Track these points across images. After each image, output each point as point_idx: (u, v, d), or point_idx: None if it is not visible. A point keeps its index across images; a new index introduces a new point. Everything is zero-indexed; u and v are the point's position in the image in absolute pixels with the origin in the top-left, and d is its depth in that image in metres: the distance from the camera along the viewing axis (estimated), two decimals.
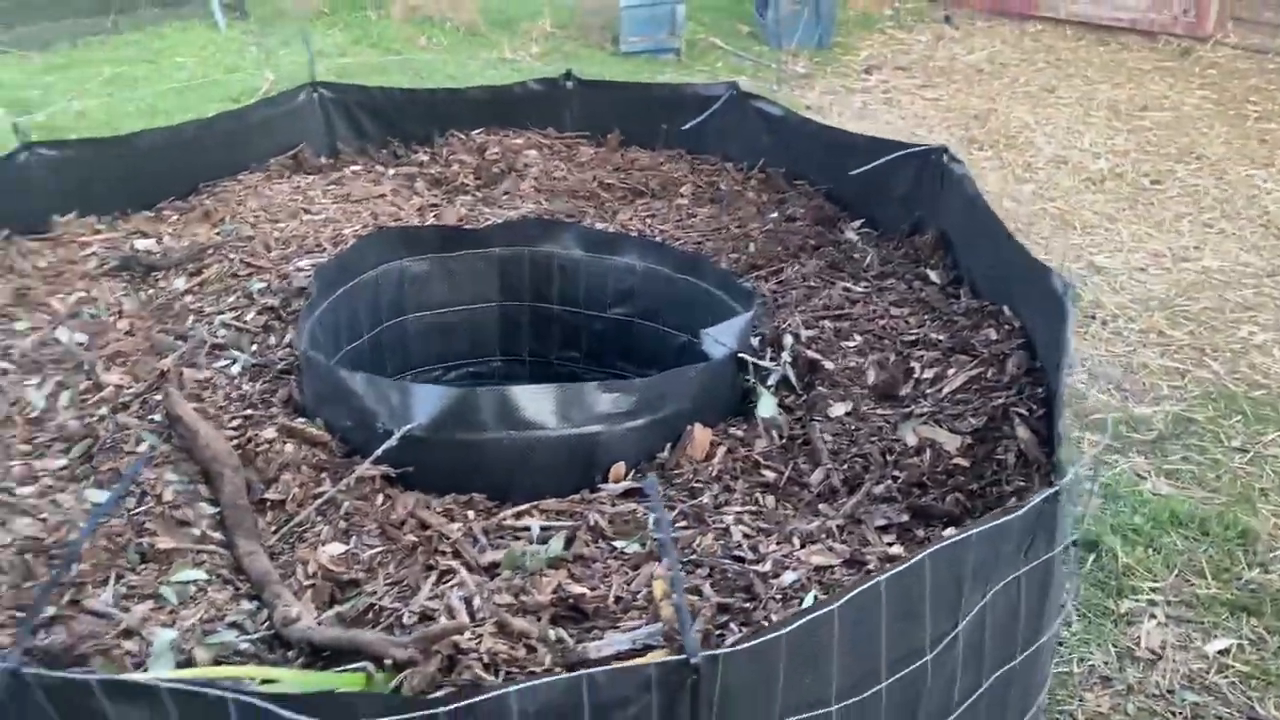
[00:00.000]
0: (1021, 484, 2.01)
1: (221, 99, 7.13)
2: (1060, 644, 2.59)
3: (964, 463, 2.13)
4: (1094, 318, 4.17)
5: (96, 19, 8.32)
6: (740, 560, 1.90)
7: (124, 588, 1.85)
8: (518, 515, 2.09)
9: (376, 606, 1.80)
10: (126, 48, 8.08)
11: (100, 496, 2.05)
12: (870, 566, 1.87)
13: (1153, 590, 2.69)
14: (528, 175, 3.41)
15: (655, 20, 8.28)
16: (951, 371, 2.40)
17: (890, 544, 1.96)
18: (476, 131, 3.64)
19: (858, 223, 3.16)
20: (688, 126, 3.44)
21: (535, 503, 2.11)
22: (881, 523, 2.00)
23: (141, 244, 2.89)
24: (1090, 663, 2.50)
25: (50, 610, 1.77)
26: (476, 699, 1.24)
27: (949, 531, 1.89)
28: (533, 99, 3.66)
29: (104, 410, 2.30)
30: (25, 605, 1.77)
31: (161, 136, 3.19)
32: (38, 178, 2.89)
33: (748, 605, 1.77)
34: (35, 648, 1.50)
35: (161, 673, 1.42)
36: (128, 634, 1.73)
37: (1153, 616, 2.62)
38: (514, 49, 8.28)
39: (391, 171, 3.44)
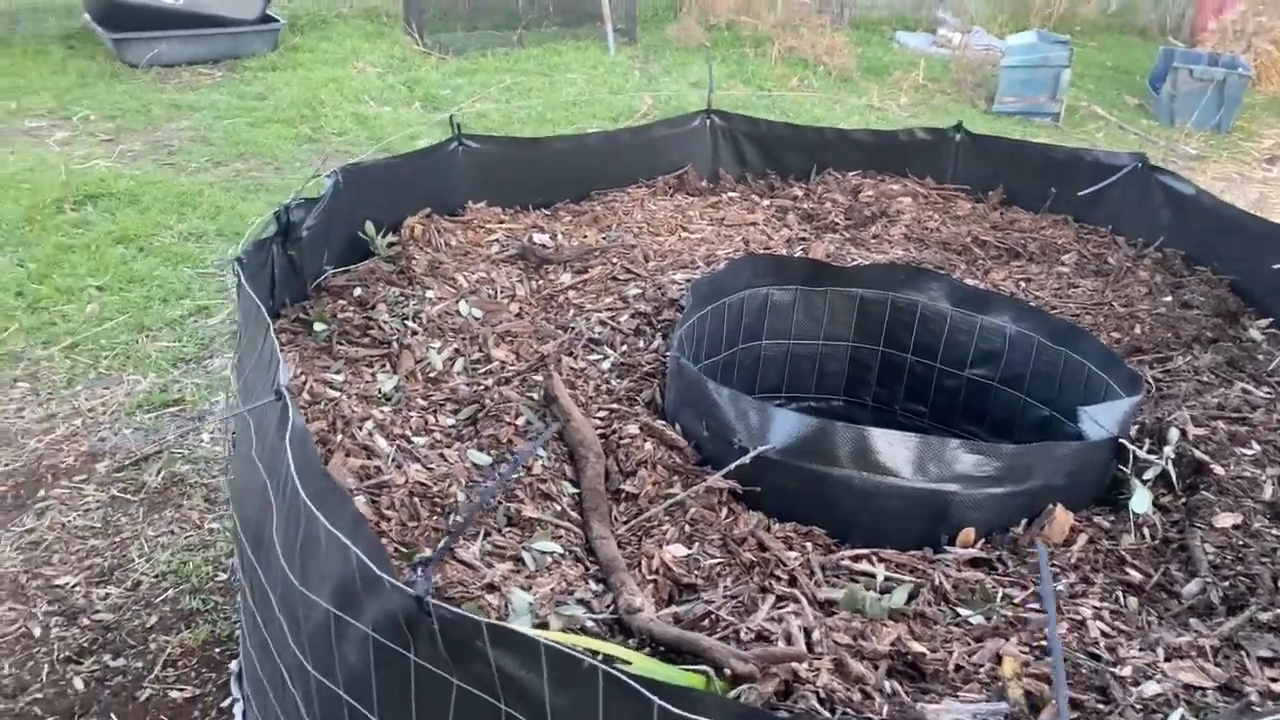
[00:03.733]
0: None
1: (603, 116, 7.67)
2: None
3: None
4: None
5: (505, 32, 9.20)
6: (1096, 658, 1.77)
7: (489, 545, 2.01)
8: (855, 558, 2.06)
9: (713, 615, 1.84)
10: (526, 60, 8.87)
11: (480, 458, 2.25)
12: (1251, 699, 1.68)
13: None
14: (899, 221, 3.38)
15: (1036, 82, 7.96)
16: None
17: (1274, 679, 1.74)
18: (853, 173, 3.66)
19: (1265, 321, 2.86)
20: (1086, 193, 3.26)
21: (874, 549, 2.08)
22: (1266, 654, 1.79)
23: (538, 238, 3.15)
24: None
25: (428, 552, 1.97)
26: None
27: None
28: (917, 147, 3.62)
29: (490, 381, 2.52)
30: (408, 542, 1.97)
31: (569, 143, 3.46)
32: (461, 166, 3.23)
33: (1101, 707, 1.64)
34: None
35: (531, 630, 1.52)
36: (490, 588, 1.87)
37: None
38: (883, 97, 8.26)
39: (766, 202, 3.53)
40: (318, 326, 2.57)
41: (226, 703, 3.00)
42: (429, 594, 1.40)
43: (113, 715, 2.93)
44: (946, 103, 8.30)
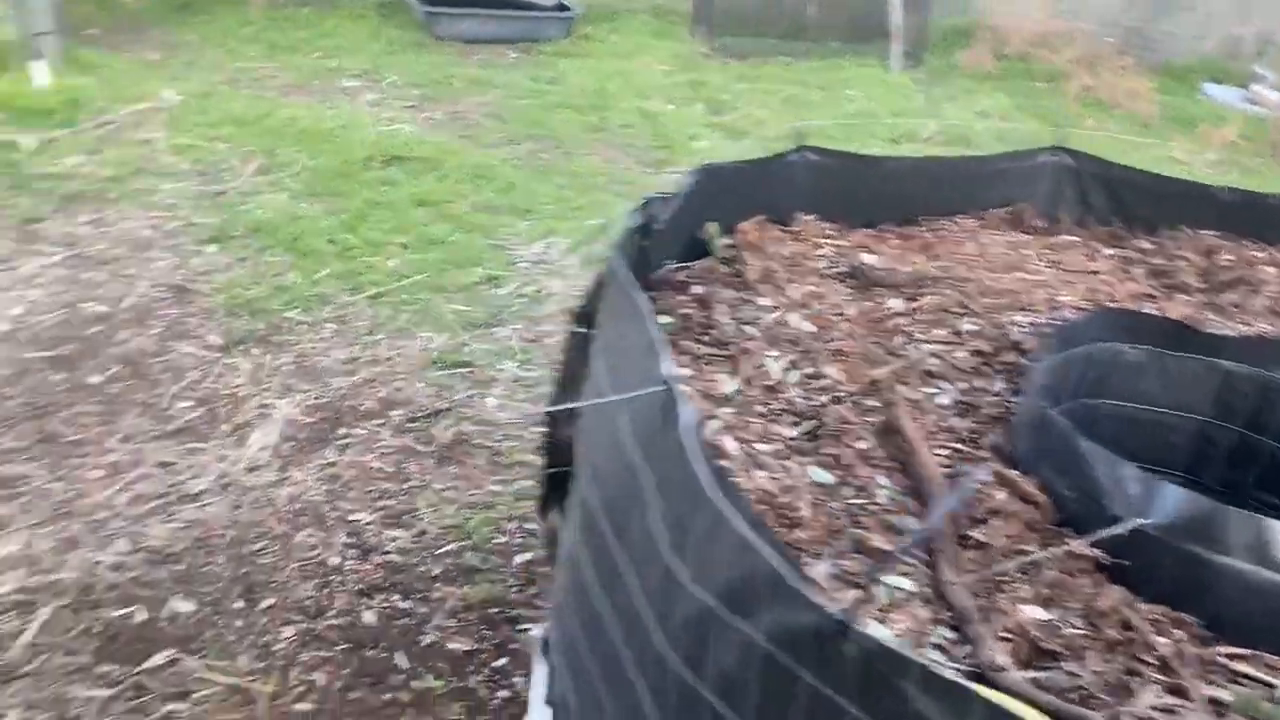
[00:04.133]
0: None
1: (882, 137, 7.50)
2: None
3: None
4: None
5: (791, 43, 9.18)
6: None
7: (835, 568, 1.95)
8: (1232, 656, 1.89)
9: (1083, 690, 1.72)
10: (807, 73, 8.81)
11: (822, 476, 2.20)
12: None
13: None
14: (1262, 292, 3.10)
15: None
16: None
17: None
18: (1208, 232, 3.39)
19: None
20: None
21: (1257, 650, 1.89)
22: None
23: (868, 258, 3.07)
24: None
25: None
26: None
27: None
28: None
29: (823, 398, 2.47)
30: None
31: (905, 164, 3.37)
32: (797, 176, 3.19)
33: None
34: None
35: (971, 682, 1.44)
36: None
37: None
38: (1187, 151, 7.70)
39: (1109, 251, 3.32)
40: (663, 319, 2.59)
41: (500, 662, 3.10)
42: (853, 621, 1.35)
43: (398, 654, 3.08)
44: (1260, 165, 7.65)
